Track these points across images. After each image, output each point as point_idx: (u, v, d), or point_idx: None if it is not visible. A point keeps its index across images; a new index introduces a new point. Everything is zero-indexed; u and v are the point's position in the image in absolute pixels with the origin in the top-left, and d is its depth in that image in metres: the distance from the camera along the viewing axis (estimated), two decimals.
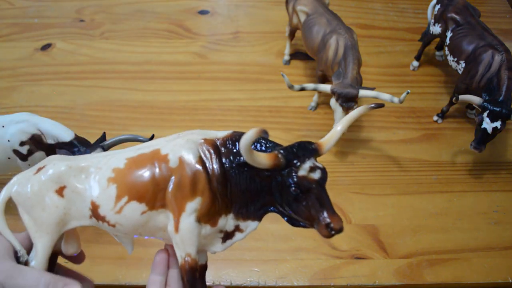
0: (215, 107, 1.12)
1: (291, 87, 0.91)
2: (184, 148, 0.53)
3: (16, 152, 0.80)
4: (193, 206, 0.52)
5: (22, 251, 0.55)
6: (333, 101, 0.93)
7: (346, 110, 0.92)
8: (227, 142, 0.55)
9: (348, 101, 0.91)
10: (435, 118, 1.11)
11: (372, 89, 0.91)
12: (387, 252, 0.87)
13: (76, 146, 0.79)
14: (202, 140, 0.55)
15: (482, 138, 0.91)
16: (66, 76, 1.19)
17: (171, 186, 0.52)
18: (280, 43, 1.28)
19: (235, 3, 1.42)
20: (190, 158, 0.52)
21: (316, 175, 0.50)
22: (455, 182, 0.99)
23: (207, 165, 0.53)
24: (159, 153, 0.53)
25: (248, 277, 0.83)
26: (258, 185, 0.54)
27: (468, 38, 1.01)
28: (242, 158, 0.52)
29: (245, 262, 0.85)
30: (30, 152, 0.80)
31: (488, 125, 0.89)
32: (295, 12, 1.11)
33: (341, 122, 0.55)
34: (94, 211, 0.53)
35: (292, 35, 1.20)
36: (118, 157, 0.54)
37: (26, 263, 0.55)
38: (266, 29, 1.33)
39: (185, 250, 0.53)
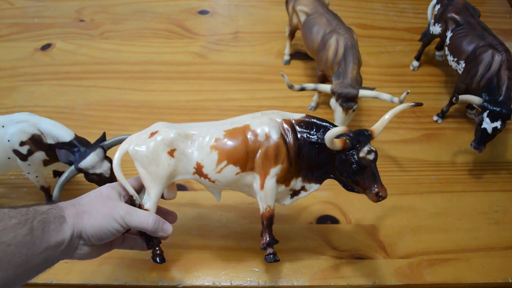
0: (215, 107, 1.12)
1: (291, 87, 0.91)
2: (269, 125, 0.69)
3: (16, 152, 0.80)
4: (275, 171, 0.69)
5: (136, 196, 0.70)
6: (333, 101, 0.93)
7: (346, 110, 0.92)
8: (301, 123, 0.70)
9: (348, 101, 0.91)
10: (435, 118, 1.11)
11: (372, 89, 0.91)
12: (387, 252, 0.87)
13: (76, 146, 0.79)
14: (282, 120, 0.70)
15: (482, 138, 0.91)
16: (66, 76, 1.19)
17: (259, 155, 0.68)
18: (280, 43, 1.28)
19: (235, 3, 1.42)
20: (274, 134, 0.68)
21: (371, 156, 0.66)
22: (455, 182, 0.99)
23: (287, 140, 0.69)
24: (250, 128, 0.69)
25: (248, 277, 0.83)
26: (323, 158, 0.70)
27: (468, 38, 1.01)
28: (313, 137, 0.69)
29: (245, 262, 0.85)
30: (30, 152, 0.80)
31: (488, 125, 0.89)
32: (295, 12, 1.11)
33: (389, 113, 0.69)
34: (198, 170, 0.69)
35: (292, 35, 1.20)
36: (217, 129, 0.70)
37: (140, 206, 0.69)
38: (266, 29, 1.33)
39: (267, 202, 0.70)
